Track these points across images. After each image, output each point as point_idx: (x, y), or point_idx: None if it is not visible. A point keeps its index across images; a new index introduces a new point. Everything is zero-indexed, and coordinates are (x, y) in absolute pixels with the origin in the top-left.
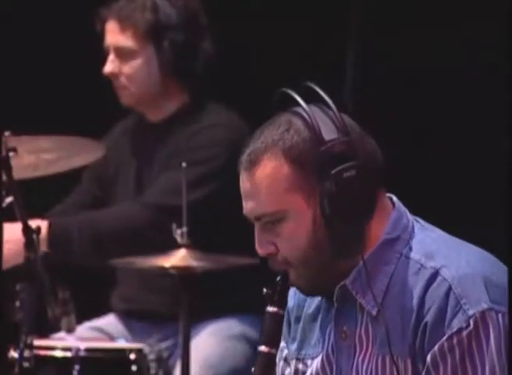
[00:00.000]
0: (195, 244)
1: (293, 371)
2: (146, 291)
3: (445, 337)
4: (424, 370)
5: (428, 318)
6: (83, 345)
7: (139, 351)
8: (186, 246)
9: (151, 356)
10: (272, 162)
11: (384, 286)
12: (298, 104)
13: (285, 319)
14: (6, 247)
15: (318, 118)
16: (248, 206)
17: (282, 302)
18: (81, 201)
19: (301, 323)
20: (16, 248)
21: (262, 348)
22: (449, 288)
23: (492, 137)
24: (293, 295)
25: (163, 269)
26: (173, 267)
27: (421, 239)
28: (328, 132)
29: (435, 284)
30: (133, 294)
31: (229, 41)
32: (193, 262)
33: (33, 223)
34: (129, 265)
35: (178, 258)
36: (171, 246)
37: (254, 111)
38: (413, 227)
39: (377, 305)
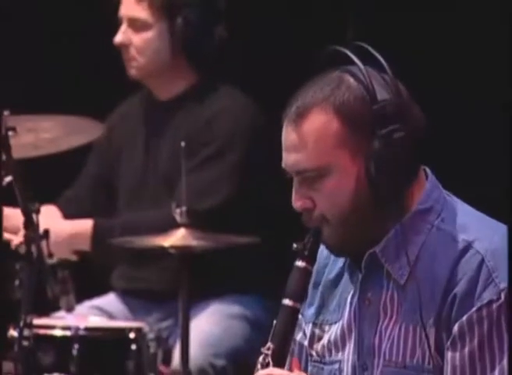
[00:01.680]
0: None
1: (308, 335)
2: (146, 269)
3: (474, 308)
4: (450, 340)
5: (458, 289)
6: (82, 324)
7: (138, 331)
8: (186, 225)
9: (151, 335)
10: (323, 117)
11: (414, 255)
12: (346, 63)
13: None
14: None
15: (372, 77)
16: (290, 160)
17: (311, 258)
18: (89, 184)
19: (320, 289)
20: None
21: (286, 301)
22: (482, 261)
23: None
24: None
25: (162, 249)
26: (173, 247)
27: (453, 211)
28: (381, 92)
29: (467, 256)
30: (134, 273)
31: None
32: (192, 242)
33: (77, 223)
34: (129, 244)
35: (177, 237)
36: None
37: (265, 95)
38: (445, 200)
39: (406, 273)
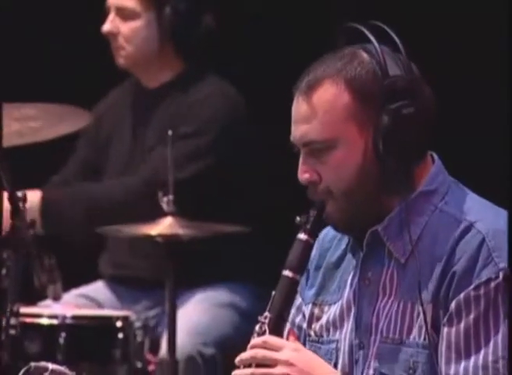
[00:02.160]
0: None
1: (307, 314)
2: (134, 257)
3: (472, 286)
4: (447, 316)
5: (458, 267)
6: (69, 313)
7: (125, 319)
8: (173, 214)
9: (138, 324)
10: (333, 89)
11: (416, 235)
12: (361, 42)
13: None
14: None
15: (385, 53)
16: (299, 131)
17: (313, 232)
18: (77, 170)
19: (322, 271)
20: None
21: (286, 272)
22: (483, 240)
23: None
24: (315, 245)
25: (150, 237)
26: (160, 235)
27: (457, 195)
28: (393, 68)
29: (468, 236)
30: (122, 261)
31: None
32: (179, 230)
33: (27, 193)
34: (116, 232)
35: (164, 226)
36: (157, 214)
37: (251, 84)
38: (450, 184)
39: (407, 252)
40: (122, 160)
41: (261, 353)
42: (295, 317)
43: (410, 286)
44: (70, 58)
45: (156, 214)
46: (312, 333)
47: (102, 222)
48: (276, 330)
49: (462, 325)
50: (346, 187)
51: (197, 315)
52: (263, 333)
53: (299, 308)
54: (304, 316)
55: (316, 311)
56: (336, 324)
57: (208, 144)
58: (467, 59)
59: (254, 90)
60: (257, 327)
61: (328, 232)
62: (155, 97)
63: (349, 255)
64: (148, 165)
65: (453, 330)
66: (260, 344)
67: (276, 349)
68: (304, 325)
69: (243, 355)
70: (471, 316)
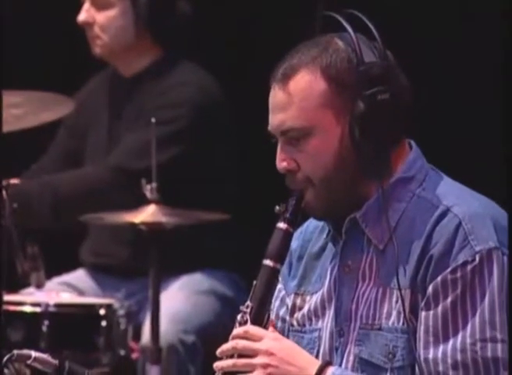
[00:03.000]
0: (165, 199)
1: (290, 305)
2: (116, 244)
3: (449, 269)
4: (424, 300)
5: (435, 251)
6: (52, 300)
7: (108, 307)
8: (156, 202)
9: (121, 311)
10: (309, 77)
11: (394, 222)
12: (339, 30)
13: (287, 260)
14: None
15: (360, 41)
16: (276, 120)
17: (293, 220)
18: (56, 158)
19: (303, 261)
20: None
21: (267, 261)
22: (459, 224)
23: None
24: (297, 236)
25: (133, 225)
26: (143, 223)
27: (435, 181)
28: (368, 55)
29: (445, 220)
30: (103, 248)
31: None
32: (162, 218)
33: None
34: (99, 220)
35: (147, 213)
36: (140, 202)
37: (229, 71)
38: (428, 171)
39: (386, 239)
40: (100, 149)
41: (241, 344)
42: (279, 309)
43: (389, 272)
44: (54, 45)
45: (136, 202)
46: (295, 322)
47: (71, 213)
48: (258, 319)
49: (439, 308)
50: (324, 174)
51: (178, 302)
52: (245, 322)
53: (283, 300)
54: (287, 307)
55: (298, 301)
56: (318, 313)
57: (182, 131)
58: (450, 48)
59: (235, 78)
60: (238, 317)
61: (310, 223)
62: (132, 85)
63: (330, 245)
64: (114, 153)
65: (431, 313)
66: (241, 335)
67: (257, 339)
68: (287, 316)
69: (225, 347)
70: (449, 300)
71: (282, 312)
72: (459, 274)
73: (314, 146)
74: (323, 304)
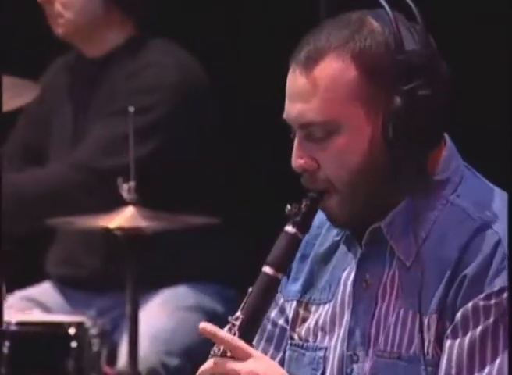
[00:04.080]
0: (144, 201)
1: (291, 314)
2: (88, 253)
3: (482, 295)
4: (451, 327)
5: (469, 271)
6: (14, 318)
7: (79, 325)
8: (134, 203)
9: (93, 331)
10: (338, 64)
11: (424, 234)
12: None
13: None
14: None
15: (400, 23)
16: (295, 110)
17: (304, 225)
18: (15, 152)
19: (309, 262)
20: None
21: (267, 269)
22: (498, 242)
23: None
24: None
25: (107, 231)
26: (119, 228)
27: (471, 186)
28: (409, 41)
29: (481, 236)
30: (73, 258)
31: None
32: (141, 222)
33: None
34: (68, 225)
35: (124, 217)
36: (116, 204)
37: (207, 50)
38: (463, 172)
39: (413, 253)
40: (65, 143)
41: (221, 365)
42: (278, 318)
43: (414, 292)
44: (17, 27)
45: (111, 204)
46: (296, 336)
47: (35, 217)
48: (247, 334)
49: (467, 338)
50: (349, 178)
51: (159, 320)
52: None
53: (282, 310)
54: (286, 317)
55: (301, 311)
56: (326, 329)
57: (160, 120)
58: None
59: (224, 61)
60: (226, 329)
61: (317, 216)
62: (99, 68)
63: (342, 247)
64: (80, 148)
65: (457, 342)
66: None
67: (242, 357)
68: (286, 324)
69: (204, 367)
70: (478, 329)
71: (281, 321)
72: (493, 301)
73: (340, 145)
74: (333, 319)
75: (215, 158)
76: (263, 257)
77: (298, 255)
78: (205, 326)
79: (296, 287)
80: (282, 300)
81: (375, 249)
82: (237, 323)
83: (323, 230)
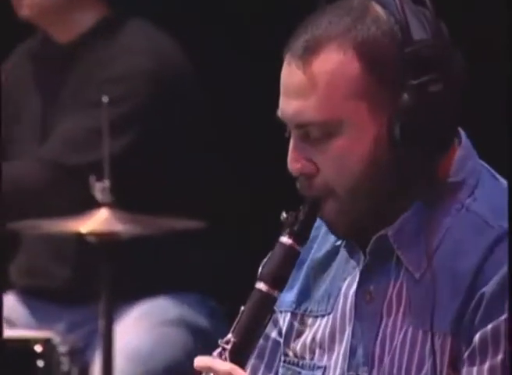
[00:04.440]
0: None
1: (285, 327)
2: (56, 261)
3: (503, 316)
4: (468, 351)
5: (487, 289)
6: None
7: (46, 342)
8: (109, 205)
9: (62, 348)
10: (339, 56)
11: (436, 243)
12: None
13: None
14: None
15: (407, 9)
16: (291, 107)
17: (301, 236)
18: None
19: (304, 269)
20: None
21: (261, 285)
22: None
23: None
24: None
25: (78, 236)
26: (92, 233)
27: (490, 189)
28: (417, 29)
29: (502, 247)
30: (39, 267)
31: None
32: (117, 226)
33: None
34: (34, 229)
35: (98, 220)
36: (88, 205)
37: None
38: (480, 173)
39: (423, 264)
40: (31, 138)
41: None
42: (271, 331)
43: (424, 308)
44: None
45: (82, 206)
46: (290, 352)
47: (3, 215)
48: (240, 359)
49: (486, 366)
50: (352, 183)
51: (137, 336)
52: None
53: (274, 323)
54: (279, 330)
55: (296, 324)
56: (324, 346)
57: (136, 111)
58: None
59: (210, 48)
60: (215, 353)
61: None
62: (69, 54)
63: (343, 253)
64: (49, 143)
65: (475, 370)
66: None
67: None
68: (279, 337)
69: None
70: (499, 357)
71: (274, 334)
72: None
73: (341, 147)
74: (333, 335)
75: (200, 155)
76: (251, 265)
77: None
78: (200, 360)
79: (290, 296)
80: (277, 315)
81: (380, 259)
82: (228, 347)
83: (321, 232)
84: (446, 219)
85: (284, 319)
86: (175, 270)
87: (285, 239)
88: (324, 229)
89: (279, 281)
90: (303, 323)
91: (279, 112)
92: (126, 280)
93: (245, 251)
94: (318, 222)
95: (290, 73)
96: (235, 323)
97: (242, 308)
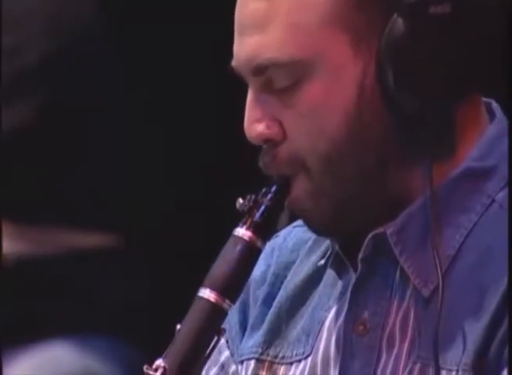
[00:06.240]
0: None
1: None
2: None
3: None
4: None
5: None
6: None
7: None
8: None
9: None
10: None
11: (454, 248)
12: None
13: (239, 300)
14: None
15: None
16: (246, 47)
17: (264, 227)
18: None
19: (276, 303)
20: None
21: (206, 292)
22: None
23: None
24: (265, 256)
25: None
26: None
27: None
28: None
29: None
30: None
31: None
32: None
33: None
34: None
35: None
36: None
37: None
38: None
39: (436, 278)
40: None
41: None
42: None
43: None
44: None
45: None
46: None
47: None
48: None
49: None
50: (329, 150)
51: None
52: None
53: (224, 370)
54: None
55: (263, 374)
56: None
57: (29, 73)
58: None
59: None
60: None
61: (290, 234)
62: None
63: (329, 274)
64: None
65: None
66: None
67: None
68: None
69: None
70: None
71: None
72: None
73: (313, 97)
74: None
75: (119, 139)
76: (185, 297)
77: (262, 295)
78: None
79: (255, 339)
80: (225, 356)
81: (377, 269)
82: (157, 374)
83: (300, 255)
84: (469, 216)
85: (246, 370)
86: (77, 305)
87: (241, 231)
88: (304, 249)
89: (232, 287)
90: (272, 372)
91: (234, 59)
92: (7, 318)
93: (176, 278)
94: (296, 242)
95: (245, 3)
96: (171, 343)
97: (178, 326)
